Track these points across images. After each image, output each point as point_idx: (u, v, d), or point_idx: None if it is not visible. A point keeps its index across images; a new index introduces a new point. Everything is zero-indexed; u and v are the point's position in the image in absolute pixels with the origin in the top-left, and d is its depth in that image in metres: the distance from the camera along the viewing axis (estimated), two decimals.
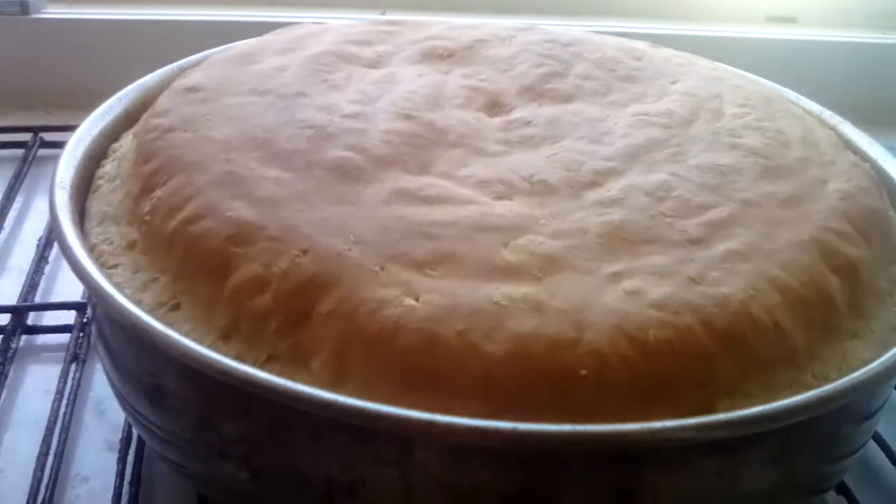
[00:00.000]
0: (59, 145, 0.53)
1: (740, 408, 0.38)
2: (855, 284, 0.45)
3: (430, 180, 0.47)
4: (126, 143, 0.54)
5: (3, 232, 0.71)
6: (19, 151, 0.81)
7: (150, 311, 0.42)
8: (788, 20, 1.09)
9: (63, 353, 0.59)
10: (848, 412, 0.43)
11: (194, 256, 0.43)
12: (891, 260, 0.49)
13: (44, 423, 0.53)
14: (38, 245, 0.69)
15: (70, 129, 0.55)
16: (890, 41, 1.05)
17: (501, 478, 0.38)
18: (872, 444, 0.55)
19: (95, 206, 0.50)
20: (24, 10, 0.91)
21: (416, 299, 0.39)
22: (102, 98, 0.58)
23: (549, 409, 0.37)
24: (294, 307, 0.40)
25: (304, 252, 0.41)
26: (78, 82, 0.86)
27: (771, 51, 1.00)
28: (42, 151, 0.82)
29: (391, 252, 0.41)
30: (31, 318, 0.63)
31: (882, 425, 0.55)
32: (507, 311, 0.39)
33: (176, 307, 0.43)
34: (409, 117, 0.52)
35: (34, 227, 0.72)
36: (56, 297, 0.65)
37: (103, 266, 0.45)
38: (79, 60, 0.92)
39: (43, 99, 0.90)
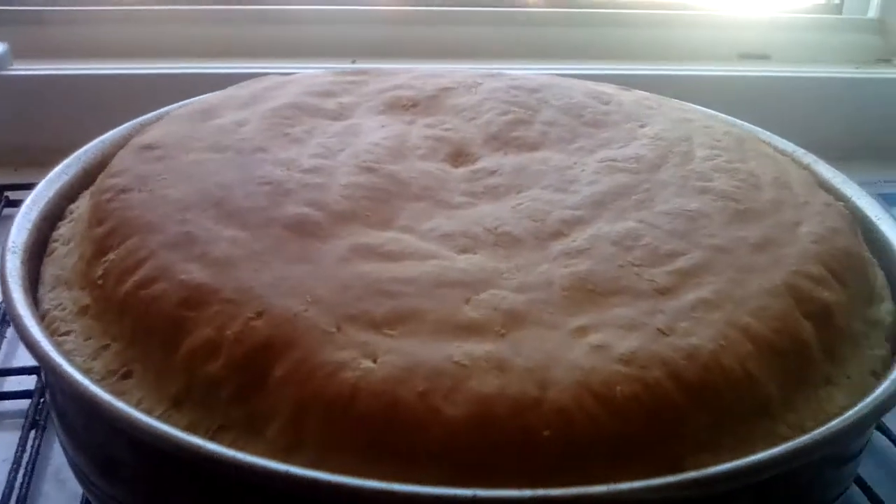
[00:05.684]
0: None
1: (712, 463, 0.36)
2: (829, 329, 0.44)
3: (392, 235, 0.46)
4: (83, 203, 0.53)
5: None
6: None
7: (100, 381, 0.40)
8: (762, 57, 1.09)
9: (22, 420, 0.57)
10: (826, 460, 0.42)
11: (146, 322, 0.41)
12: (867, 301, 0.48)
13: None
14: None
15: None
16: (864, 75, 1.05)
17: None
18: (855, 489, 0.54)
19: (49, 270, 0.48)
20: None
21: (374, 361, 0.38)
22: (69, 154, 0.57)
23: (513, 472, 0.36)
24: (247, 372, 0.38)
25: (259, 314, 0.40)
26: (45, 139, 0.84)
27: (745, 88, 1.00)
28: (7, 210, 0.80)
29: (349, 312, 0.40)
30: None
31: (863, 468, 0.53)
32: (468, 370, 0.37)
33: (127, 375, 0.41)
34: (370, 170, 0.51)
35: None
36: (18, 362, 0.64)
37: (54, 333, 0.44)
38: (45, 117, 0.91)
39: (9, 157, 0.90)
